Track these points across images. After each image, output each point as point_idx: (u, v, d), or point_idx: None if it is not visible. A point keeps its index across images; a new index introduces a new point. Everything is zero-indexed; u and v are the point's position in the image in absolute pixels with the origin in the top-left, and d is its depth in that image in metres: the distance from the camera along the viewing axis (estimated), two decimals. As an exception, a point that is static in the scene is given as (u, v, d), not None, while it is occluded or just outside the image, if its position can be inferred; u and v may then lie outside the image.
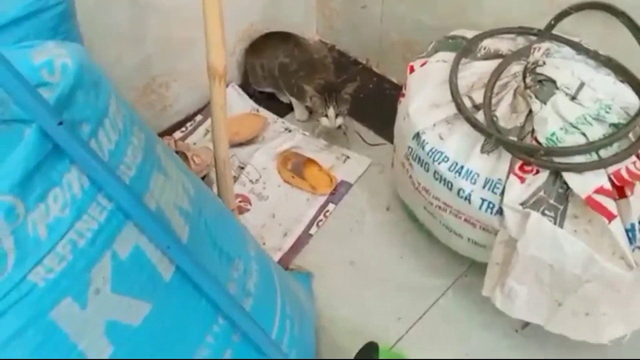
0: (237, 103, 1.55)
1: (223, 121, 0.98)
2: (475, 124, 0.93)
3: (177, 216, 0.67)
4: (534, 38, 1.06)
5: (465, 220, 1.01)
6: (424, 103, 1.03)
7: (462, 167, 0.96)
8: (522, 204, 0.89)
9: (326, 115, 1.35)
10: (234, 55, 1.59)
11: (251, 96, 1.58)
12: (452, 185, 0.97)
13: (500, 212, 0.93)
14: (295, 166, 1.37)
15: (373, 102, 1.52)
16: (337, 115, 1.36)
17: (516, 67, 0.99)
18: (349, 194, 1.35)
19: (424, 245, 1.23)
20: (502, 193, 0.92)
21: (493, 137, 0.91)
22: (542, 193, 0.89)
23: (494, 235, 0.97)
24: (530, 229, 0.87)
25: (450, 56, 1.04)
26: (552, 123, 0.89)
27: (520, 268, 0.89)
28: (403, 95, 1.11)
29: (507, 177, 0.91)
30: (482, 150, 0.95)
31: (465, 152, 0.96)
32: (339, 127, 1.40)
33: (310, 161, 1.38)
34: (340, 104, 1.35)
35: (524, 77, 0.95)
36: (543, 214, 0.87)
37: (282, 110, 1.56)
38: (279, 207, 1.32)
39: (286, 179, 1.37)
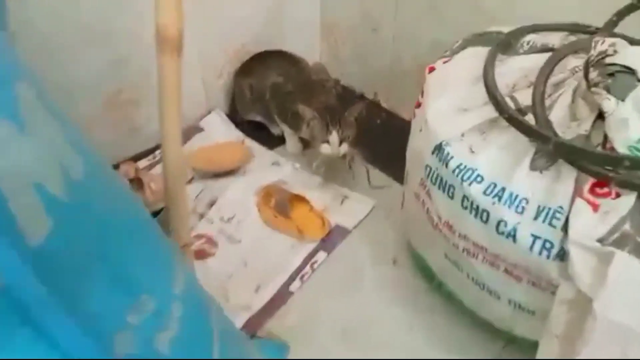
0: (218, 131, 1.30)
1: (175, 111, 0.71)
2: (523, 125, 0.66)
3: (33, 196, 0.38)
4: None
5: (507, 271, 0.70)
6: (448, 107, 0.76)
7: (502, 190, 0.67)
8: (598, 242, 0.59)
9: (327, 142, 1.09)
10: (221, 78, 1.36)
11: (238, 125, 1.33)
12: (488, 216, 0.68)
13: (561, 255, 0.63)
14: (280, 204, 1.09)
15: (380, 140, 1.26)
16: (341, 142, 1.09)
17: (575, 61, 0.73)
18: (345, 242, 1.05)
19: (443, 312, 0.91)
20: (565, 227, 0.62)
21: (551, 141, 0.62)
22: (626, 226, 0.59)
23: (549, 293, 0.67)
24: (614, 280, 0.56)
25: (482, 51, 0.79)
26: (636, 125, 0.62)
27: (597, 341, 0.57)
28: (419, 105, 0.84)
29: (572, 202, 0.62)
30: (533, 167, 0.67)
31: (508, 169, 0.68)
32: (343, 156, 1.12)
33: (300, 199, 1.10)
34: (345, 128, 1.09)
35: (587, 73, 0.68)
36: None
37: (273, 142, 1.31)
38: (253, 254, 1.02)
39: (267, 219, 1.08)
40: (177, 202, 0.73)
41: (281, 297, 0.95)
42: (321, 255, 1.02)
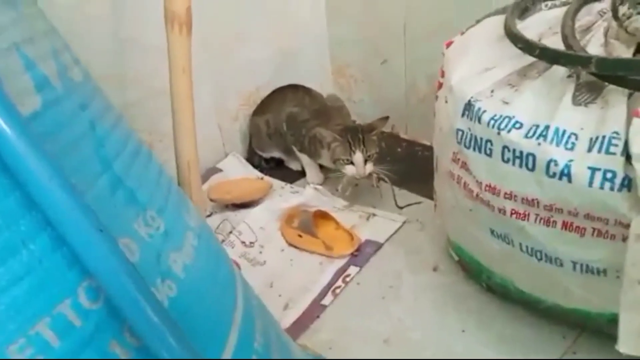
0: (237, 171, 1.27)
1: (186, 93, 0.69)
2: (560, 53, 0.61)
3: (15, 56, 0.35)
4: None
5: (565, 225, 0.62)
6: (471, 69, 0.72)
7: (546, 129, 0.61)
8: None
9: (351, 163, 1.05)
10: (237, 121, 1.35)
11: (256, 167, 1.30)
12: (534, 160, 0.61)
13: (627, 183, 0.55)
14: (304, 223, 1.02)
15: (404, 165, 1.19)
16: (365, 161, 1.05)
17: (600, 5, 0.70)
18: (377, 255, 0.96)
19: (497, 311, 0.80)
20: (625, 151, 0.55)
21: (593, 60, 0.57)
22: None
23: (620, 241, 0.58)
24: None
25: (499, 18, 0.77)
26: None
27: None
28: (440, 85, 0.81)
29: (629, 123, 0.56)
30: (576, 102, 0.61)
31: (548, 109, 0.62)
32: (369, 176, 1.07)
33: (325, 217, 1.03)
34: (369, 147, 1.05)
35: (615, 12, 0.65)
36: None
37: (292, 177, 1.27)
38: (279, 275, 0.94)
39: (291, 241, 1.01)
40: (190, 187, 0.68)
41: (313, 311, 0.85)
42: (353, 270, 0.93)
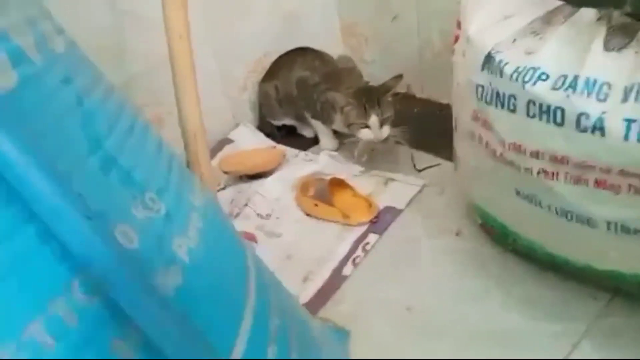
0: (249, 141, 1.23)
1: (185, 60, 0.65)
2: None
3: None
4: None
5: (598, 182, 0.57)
6: (490, 18, 0.67)
7: (575, 79, 0.56)
8: None
9: (367, 126, 1.00)
10: (246, 91, 1.31)
11: (268, 135, 1.26)
12: (563, 114, 0.57)
13: (667, 134, 0.50)
14: (320, 192, 0.99)
15: (421, 126, 1.14)
16: (381, 124, 1.00)
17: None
18: (397, 221, 0.93)
19: (523, 274, 0.77)
20: (665, 99, 0.50)
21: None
22: None
23: (659, 197, 0.54)
24: None
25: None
26: None
27: None
28: (457, 38, 0.76)
29: (668, 68, 0.51)
30: (608, 47, 0.56)
31: (577, 57, 0.57)
32: (385, 139, 1.03)
33: (341, 185, 1.00)
34: (385, 109, 1.01)
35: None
36: None
37: (305, 145, 1.23)
38: (297, 246, 0.92)
39: (308, 211, 0.98)
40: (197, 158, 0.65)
41: (334, 283, 0.82)
42: (372, 238, 0.90)
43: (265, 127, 1.28)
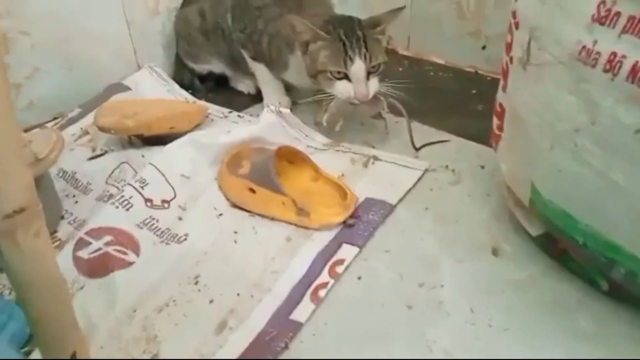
0: (152, 90, 0.81)
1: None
2: None
3: None
4: None
5: None
6: None
7: None
8: None
9: (346, 77, 0.62)
10: (158, 14, 0.88)
11: (186, 88, 0.84)
12: None
13: None
14: (260, 170, 0.58)
15: (412, 90, 0.74)
16: (369, 74, 0.62)
17: None
18: (387, 225, 0.55)
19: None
20: None
21: None
22: None
23: None
24: None
25: None
26: None
27: None
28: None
29: None
30: None
31: None
32: (373, 99, 0.65)
33: (294, 159, 0.60)
34: (374, 51, 0.63)
35: None
36: None
37: (240, 104, 0.83)
38: (212, 261, 0.51)
39: (237, 199, 0.58)
40: None
41: (275, 337, 0.43)
42: (347, 251, 0.51)
43: (183, 76, 0.87)
